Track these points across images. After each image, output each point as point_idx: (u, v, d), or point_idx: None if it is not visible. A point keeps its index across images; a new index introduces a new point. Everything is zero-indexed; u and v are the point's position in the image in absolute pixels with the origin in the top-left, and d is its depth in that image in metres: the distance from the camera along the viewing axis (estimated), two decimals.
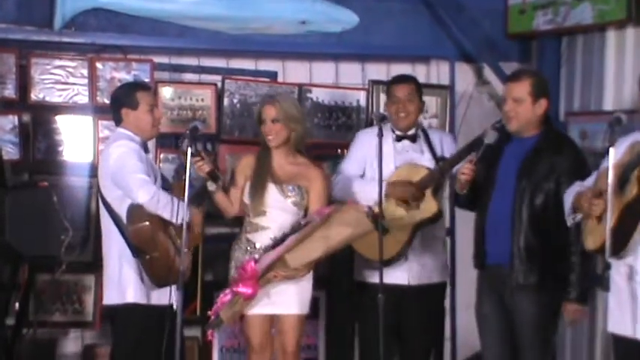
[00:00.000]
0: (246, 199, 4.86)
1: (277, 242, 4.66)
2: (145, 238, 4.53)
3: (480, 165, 4.69)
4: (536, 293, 4.54)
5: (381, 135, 4.65)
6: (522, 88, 4.56)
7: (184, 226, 4.36)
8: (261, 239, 4.80)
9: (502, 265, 4.59)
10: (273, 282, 4.64)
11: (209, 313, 4.69)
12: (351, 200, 4.85)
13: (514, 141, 4.66)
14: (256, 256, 4.69)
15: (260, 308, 4.73)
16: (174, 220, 4.51)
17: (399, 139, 5.11)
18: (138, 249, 4.56)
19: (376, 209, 4.63)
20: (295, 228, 4.67)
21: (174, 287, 4.44)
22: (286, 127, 4.83)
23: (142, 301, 4.68)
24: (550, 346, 4.67)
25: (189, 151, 4.45)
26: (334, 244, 4.61)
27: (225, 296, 4.62)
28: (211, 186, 4.77)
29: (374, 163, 5.08)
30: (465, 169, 4.66)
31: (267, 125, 4.83)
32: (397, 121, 5.06)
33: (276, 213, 4.81)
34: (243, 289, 4.55)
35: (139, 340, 4.67)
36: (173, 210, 4.51)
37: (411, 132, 5.16)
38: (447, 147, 5.24)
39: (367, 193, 4.91)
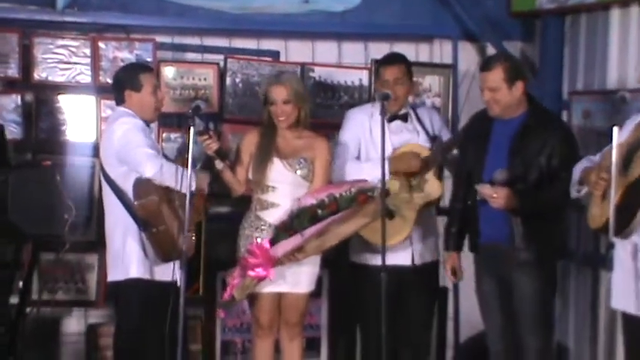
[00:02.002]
0: (251, 176, 4.88)
1: (290, 225, 4.65)
2: (153, 212, 4.56)
3: (467, 148, 4.74)
4: (535, 269, 4.60)
5: (384, 114, 4.66)
6: (496, 76, 4.61)
7: (188, 197, 4.38)
8: (272, 216, 4.81)
9: (499, 243, 4.63)
10: (286, 264, 4.67)
11: (224, 296, 4.71)
12: (356, 180, 4.83)
13: (499, 122, 4.70)
14: (267, 236, 4.70)
15: (270, 287, 4.76)
16: (178, 188, 4.54)
17: (391, 119, 5.09)
18: (145, 223, 4.59)
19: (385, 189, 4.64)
20: (318, 210, 4.65)
21: (177, 263, 4.49)
22: (296, 106, 4.86)
23: (146, 276, 4.72)
24: (550, 321, 4.72)
25: (192, 129, 4.47)
26: (350, 232, 4.66)
27: (237, 278, 4.64)
28: (219, 164, 4.81)
29: (368, 145, 5.09)
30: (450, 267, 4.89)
31: (279, 106, 4.85)
32: (387, 103, 4.98)
33: (286, 188, 4.84)
34: (259, 273, 4.57)
35: (142, 315, 4.70)
36: (178, 179, 4.53)
37: (402, 112, 5.15)
38: (436, 125, 5.24)
39: (366, 175, 4.88)
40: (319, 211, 4.60)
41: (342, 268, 5.42)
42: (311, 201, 4.64)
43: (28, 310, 5.14)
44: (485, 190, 4.52)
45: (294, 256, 4.62)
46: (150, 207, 4.56)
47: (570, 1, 5.77)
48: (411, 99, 5.37)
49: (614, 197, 3.94)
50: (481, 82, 4.70)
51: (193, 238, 4.59)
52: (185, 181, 4.45)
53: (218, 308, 4.91)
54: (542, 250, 4.59)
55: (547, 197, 4.54)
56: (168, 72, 5.70)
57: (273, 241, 4.61)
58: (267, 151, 4.87)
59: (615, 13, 5.61)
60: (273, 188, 4.87)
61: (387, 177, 4.67)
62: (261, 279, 4.61)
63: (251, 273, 4.59)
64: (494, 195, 4.48)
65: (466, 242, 4.92)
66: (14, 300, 5.15)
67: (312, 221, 4.58)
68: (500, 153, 4.62)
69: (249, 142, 4.96)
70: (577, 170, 4.33)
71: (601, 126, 5.42)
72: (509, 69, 4.62)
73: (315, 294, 5.16)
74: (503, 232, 4.60)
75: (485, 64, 4.74)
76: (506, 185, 4.49)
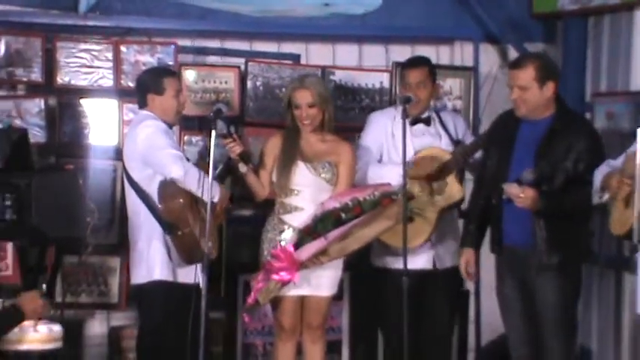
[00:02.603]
0: (274, 179, 4.89)
1: (314, 228, 4.65)
2: (178, 215, 4.58)
3: (492, 149, 4.71)
4: (559, 273, 4.56)
5: (405, 117, 4.66)
6: (527, 75, 4.55)
7: (209, 205, 4.40)
8: (295, 219, 4.82)
9: (522, 246, 4.60)
10: (310, 267, 4.67)
11: (248, 300, 4.72)
12: (379, 184, 4.83)
13: (526, 124, 4.65)
14: (291, 240, 4.71)
15: (292, 290, 4.77)
16: (199, 194, 4.55)
17: (413, 122, 5.08)
18: (170, 225, 4.61)
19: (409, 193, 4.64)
20: (342, 214, 4.64)
21: (199, 266, 4.50)
22: (320, 110, 4.87)
23: (169, 278, 4.75)
24: (573, 325, 4.69)
25: (213, 132, 4.49)
26: (373, 235, 4.66)
27: (261, 282, 4.65)
28: (242, 167, 4.82)
29: (390, 148, 5.09)
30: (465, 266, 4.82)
31: (303, 110, 4.86)
32: (410, 106, 4.94)
33: (309, 191, 4.85)
34: (283, 277, 4.58)
35: (165, 317, 4.72)
36: (200, 185, 4.55)
37: (425, 115, 5.14)
38: (460, 130, 5.24)
39: (387, 178, 4.89)
40: (343, 215, 4.60)
41: (363, 272, 5.42)
42: (334, 205, 4.64)
43: (51, 312, 5.16)
44: (512, 189, 4.48)
45: (318, 259, 4.63)
46: (175, 210, 4.58)
47: (593, 2, 5.75)
48: (432, 102, 5.36)
49: (638, 201, 3.90)
50: (510, 80, 4.62)
51: (210, 244, 4.60)
52: (207, 188, 4.45)
53: (242, 313, 4.92)
54: (566, 253, 4.55)
55: (572, 200, 4.50)
56: (190, 75, 5.72)
57: (298, 245, 4.62)
58: (291, 154, 4.88)
59: (639, 14, 5.57)
60: (296, 192, 4.88)
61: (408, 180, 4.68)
62: (285, 283, 4.62)
63: (275, 277, 4.60)
64: (521, 195, 4.44)
65: (487, 243, 4.89)
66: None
67: (336, 225, 4.59)
68: (526, 155, 4.57)
69: (273, 145, 4.98)
70: (598, 176, 4.28)
71: (625, 128, 5.40)
72: (540, 68, 4.55)
73: (336, 297, 5.16)
74: (526, 234, 4.56)
75: (517, 62, 4.69)
76: (532, 186, 4.45)
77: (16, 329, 3.79)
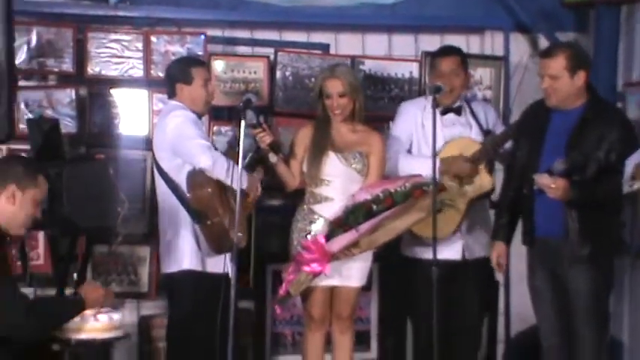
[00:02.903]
0: (305, 169, 4.90)
1: (345, 220, 4.64)
2: (206, 204, 4.60)
3: (522, 139, 4.68)
4: (591, 264, 4.53)
5: (435, 106, 4.64)
6: (558, 64, 4.52)
7: (238, 194, 4.40)
8: (325, 210, 4.82)
9: (554, 237, 4.58)
10: (342, 259, 4.67)
11: (280, 292, 4.74)
12: (410, 175, 4.81)
13: (557, 113, 4.62)
14: (322, 230, 4.70)
15: (322, 280, 4.77)
16: (229, 183, 4.56)
17: (444, 112, 5.05)
18: (199, 215, 4.63)
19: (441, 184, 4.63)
20: (373, 205, 4.64)
21: (228, 256, 4.52)
22: (351, 99, 4.87)
23: (198, 268, 4.77)
24: (605, 315, 4.67)
25: (243, 123, 4.50)
26: (404, 227, 4.66)
27: (292, 273, 4.66)
28: (273, 157, 4.83)
29: (420, 139, 5.07)
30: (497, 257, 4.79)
31: (334, 100, 4.86)
32: (441, 96, 4.92)
33: (340, 182, 4.86)
34: (314, 268, 4.58)
35: (194, 307, 4.75)
36: (229, 174, 4.56)
37: (455, 105, 5.12)
38: (491, 119, 5.21)
39: (417, 170, 4.86)
40: (374, 207, 4.59)
41: (392, 262, 5.41)
42: (365, 196, 4.63)
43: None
44: (543, 179, 4.45)
45: (350, 251, 4.63)
46: (203, 199, 4.60)
47: None
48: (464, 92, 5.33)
49: None
50: (541, 69, 4.60)
51: (240, 234, 4.61)
52: (236, 177, 4.47)
53: (273, 304, 4.94)
54: (598, 244, 4.52)
55: (604, 190, 4.47)
56: (219, 65, 5.72)
57: (329, 237, 4.62)
58: (322, 144, 4.88)
59: None
60: (327, 182, 4.88)
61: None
62: (316, 274, 4.63)
63: (306, 268, 4.61)
64: (553, 185, 4.41)
65: (518, 234, 4.87)
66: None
67: (367, 216, 4.58)
68: (557, 145, 4.55)
69: (304, 135, 4.98)
70: (629, 164, 4.26)
71: None
72: (572, 57, 4.53)
73: (365, 287, 5.16)
74: (558, 226, 4.54)
75: (548, 51, 4.67)
76: (564, 176, 4.42)
77: (77, 318, 3.84)
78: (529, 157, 4.65)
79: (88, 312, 3.87)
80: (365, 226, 4.58)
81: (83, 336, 3.88)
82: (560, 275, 4.61)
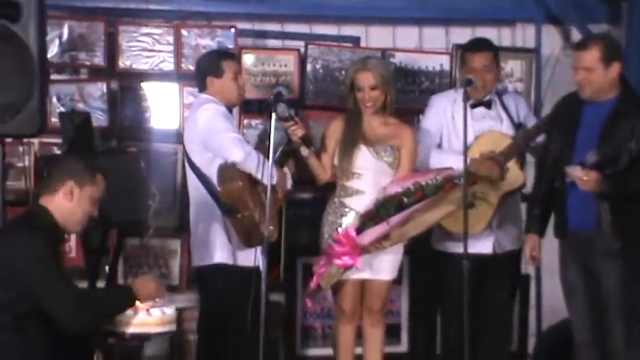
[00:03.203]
0: (336, 162, 4.90)
1: (376, 213, 4.64)
2: (237, 198, 4.61)
3: (555, 132, 4.65)
4: (624, 258, 4.50)
5: (467, 100, 4.61)
6: (592, 56, 4.50)
7: (269, 188, 4.41)
8: (356, 203, 4.82)
9: (586, 230, 4.55)
10: (372, 252, 4.67)
11: (311, 285, 4.73)
12: (441, 168, 4.80)
13: (591, 105, 4.59)
14: (353, 224, 4.70)
15: (353, 273, 4.77)
16: (259, 177, 4.57)
17: (474, 105, 5.03)
18: (229, 209, 4.64)
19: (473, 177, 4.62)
20: (404, 198, 4.63)
21: (259, 249, 4.53)
22: (383, 92, 4.86)
23: (229, 261, 4.78)
24: (638, 310, 4.62)
25: (274, 116, 4.50)
26: (435, 220, 4.64)
27: (323, 266, 4.66)
28: (304, 151, 4.83)
29: (450, 132, 5.05)
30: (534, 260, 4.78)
31: (366, 92, 4.86)
32: (473, 90, 4.90)
33: (371, 175, 4.85)
34: (346, 261, 4.58)
35: (225, 300, 4.76)
36: (260, 169, 4.57)
37: (486, 98, 5.09)
38: (522, 112, 5.17)
39: (448, 165, 4.82)
40: (405, 199, 4.58)
41: (423, 255, 5.41)
42: (396, 189, 4.62)
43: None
44: (575, 172, 4.42)
45: (380, 244, 4.62)
46: (234, 193, 4.61)
47: None
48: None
49: None
50: (575, 62, 4.57)
51: (271, 227, 4.63)
52: (267, 172, 4.47)
53: (304, 297, 4.95)
54: (631, 237, 4.50)
55: (636, 182, 4.43)
56: (249, 59, 5.73)
57: (360, 230, 4.61)
58: (353, 137, 4.88)
59: None
60: (358, 175, 4.88)
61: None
62: (347, 267, 4.62)
63: (337, 262, 4.60)
64: (585, 177, 4.39)
65: (550, 228, 4.85)
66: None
67: (398, 209, 4.57)
68: (590, 137, 4.52)
69: (335, 128, 4.98)
70: None
71: None
72: (605, 49, 4.50)
73: (395, 281, 5.16)
74: (591, 219, 4.52)
75: (581, 43, 4.65)
76: (596, 168, 4.40)
77: (130, 312, 3.85)
78: (562, 149, 4.62)
79: (142, 306, 3.87)
80: (396, 219, 4.57)
81: (136, 330, 3.89)
82: (593, 269, 4.58)
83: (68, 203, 3.81)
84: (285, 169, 4.84)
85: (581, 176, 4.39)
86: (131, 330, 3.87)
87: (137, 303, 3.84)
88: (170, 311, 3.98)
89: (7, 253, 3.66)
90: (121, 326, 3.85)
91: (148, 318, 3.93)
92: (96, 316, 3.79)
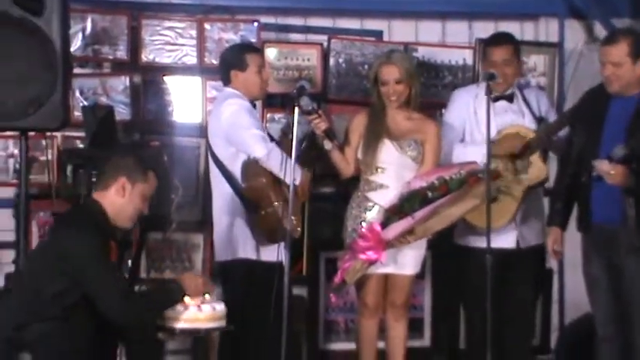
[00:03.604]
0: (360, 156, 4.89)
1: (401, 208, 4.63)
2: (260, 194, 4.61)
3: (580, 126, 4.63)
4: None
5: (489, 93, 4.60)
6: (620, 51, 4.49)
7: (292, 188, 4.41)
8: (380, 197, 4.81)
9: (611, 225, 4.53)
10: (397, 247, 4.66)
11: (335, 280, 4.72)
12: (465, 162, 4.78)
13: (617, 100, 4.58)
14: (377, 218, 4.70)
15: (377, 268, 4.77)
16: (282, 176, 4.58)
17: (496, 99, 5.00)
18: (253, 204, 4.64)
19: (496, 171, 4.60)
20: (428, 192, 4.61)
21: (282, 244, 4.52)
22: (407, 85, 4.85)
23: (252, 257, 4.78)
24: None
25: (297, 110, 4.50)
26: (459, 214, 4.63)
27: (348, 261, 4.65)
28: (327, 144, 4.82)
29: (473, 126, 5.04)
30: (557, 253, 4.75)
31: (391, 86, 4.85)
32: (494, 84, 4.86)
33: (395, 169, 4.84)
34: (370, 256, 4.58)
35: (249, 294, 4.76)
36: (282, 168, 4.57)
37: (507, 92, 5.07)
38: (543, 106, 5.16)
39: (470, 157, 4.83)
40: (429, 194, 4.57)
41: (445, 250, 5.39)
42: (421, 184, 4.61)
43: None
44: (603, 166, 4.40)
45: (405, 238, 4.61)
46: (257, 189, 4.61)
47: None
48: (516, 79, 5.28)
49: None
50: (603, 57, 4.56)
51: (294, 222, 4.62)
52: (289, 170, 4.47)
53: (329, 292, 4.95)
54: None
55: None
56: (272, 53, 5.72)
57: (384, 224, 4.60)
58: (377, 132, 4.87)
59: None
60: (382, 169, 4.87)
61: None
62: (372, 262, 4.61)
63: (362, 256, 4.59)
64: (612, 171, 4.36)
65: (572, 222, 4.83)
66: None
67: (423, 204, 4.56)
68: (617, 131, 4.50)
69: (359, 122, 4.97)
70: None
71: None
72: (634, 43, 4.49)
73: (418, 275, 5.15)
74: (615, 213, 4.49)
75: (609, 38, 4.64)
76: (623, 163, 4.37)
77: (180, 307, 3.87)
78: (587, 143, 4.60)
79: (192, 302, 3.89)
80: (420, 213, 4.56)
81: (186, 325, 3.88)
82: (616, 264, 4.56)
83: (120, 199, 3.88)
84: (307, 171, 4.82)
85: (609, 170, 4.37)
86: (181, 325, 3.87)
87: (186, 299, 3.88)
88: (220, 307, 3.97)
89: (62, 244, 3.75)
90: (171, 321, 3.86)
91: (199, 314, 3.90)
92: (144, 310, 3.85)
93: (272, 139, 4.95)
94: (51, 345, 3.70)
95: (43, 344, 3.69)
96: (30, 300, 3.75)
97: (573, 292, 5.90)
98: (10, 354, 3.72)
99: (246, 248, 4.77)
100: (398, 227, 4.57)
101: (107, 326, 3.79)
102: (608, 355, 4.69)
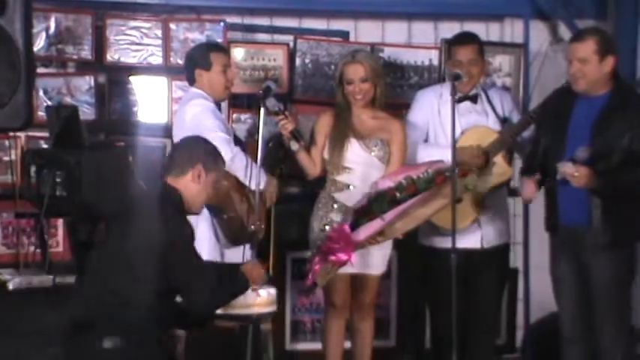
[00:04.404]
0: (327, 156, 4.88)
1: (370, 209, 4.63)
2: (224, 198, 4.58)
3: (545, 126, 4.66)
4: (613, 252, 4.50)
5: (454, 94, 4.60)
6: (587, 48, 4.49)
7: (257, 194, 4.40)
8: (347, 197, 4.81)
9: (577, 225, 4.54)
10: (367, 247, 4.67)
11: (307, 282, 4.71)
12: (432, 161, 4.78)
13: (583, 100, 4.58)
14: (346, 220, 4.70)
15: (344, 268, 4.76)
16: (247, 183, 4.56)
17: (460, 100, 5.01)
18: (216, 208, 4.62)
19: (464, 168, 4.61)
20: (396, 193, 4.62)
21: (247, 246, 4.52)
22: (373, 84, 4.85)
23: (217, 258, 4.75)
24: (627, 305, 4.64)
25: (262, 110, 4.49)
26: (429, 214, 4.63)
27: (318, 263, 4.64)
28: (294, 145, 4.80)
29: (437, 127, 5.05)
30: (528, 193, 4.65)
31: (357, 85, 4.84)
32: (459, 85, 4.84)
33: (362, 169, 4.84)
34: (340, 257, 4.57)
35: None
36: (247, 172, 4.55)
37: (472, 93, 5.09)
38: (507, 107, 5.17)
39: (436, 158, 4.83)
40: (398, 194, 4.56)
41: (411, 250, 5.40)
42: (389, 184, 4.60)
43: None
44: (566, 168, 4.41)
45: (375, 239, 4.61)
46: (221, 193, 4.59)
47: None
48: (481, 79, 5.30)
49: None
50: (570, 54, 4.57)
51: (262, 226, 4.62)
52: (254, 175, 4.46)
53: (300, 295, 5.03)
54: (621, 233, 4.49)
55: (628, 179, 4.43)
56: (238, 53, 5.71)
57: (354, 226, 4.59)
58: (343, 131, 4.87)
59: None
60: (348, 169, 4.87)
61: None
62: (342, 263, 4.60)
63: (332, 258, 4.58)
64: (576, 173, 4.38)
65: (540, 222, 4.84)
66: None
67: (391, 204, 4.55)
68: (582, 132, 4.51)
69: (324, 123, 4.96)
70: None
71: None
72: (601, 42, 4.50)
73: (384, 275, 5.15)
74: (582, 214, 4.51)
75: (577, 35, 4.67)
76: (587, 164, 4.40)
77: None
78: (552, 144, 4.61)
79: (250, 289, 4.05)
80: (391, 215, 4.55)
81: (249, 311, 4.09)
82: (584, 264, 4.58)
83: (196, 186, 3.94)
84: (273, 179, 4.81)
85: (572, 172, 4.38)
86: (238, 311, 4.06)
87: None
88: (273, 291, 4.17)
89: (150, 230, 3.74)
90: (233, 308, 4.03)
91: (257, 299, 4.10)
92: (223, 303, 3.99)
93: (238, 140, 4.93)
94: (135, 332, 3.72)
95: (128, 331, 3.71)
96: (113, 288, 3.74)
97: (538, 291, 5.94)
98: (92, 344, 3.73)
99: (210, 251, 4.74)
100: (369, 229, 4.56)
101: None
102: (575, 356, 4.70)
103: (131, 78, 5.62)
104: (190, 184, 3.93)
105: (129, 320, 3.71)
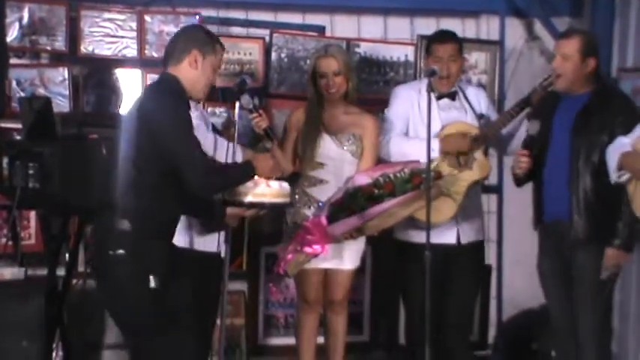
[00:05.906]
0: (299, 152, 4.88)
1: (347, 203, 4.61)
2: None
3: (533, 122, 4.68)
4: (595, 248, 4.53)
5: (430, 90, 4.59)
6: (572, 45, 4.57)
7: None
8: (320, 193, 4.81)
9: (561, 221, 4.59)
10: (341, 241, 4.67)
11: (277, 270, 4.72)
12: (408, 161, 4.78)
13: (566, 99, 4.65)
14: (322, 212, 4.68)
15: (317, 262, 4.76)
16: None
17: (439, 97, 5.02)
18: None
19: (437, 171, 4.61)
20: (374, 189, 4.61)
21: (222, 235, 4.49)
22: (345, 78, 4.85)
23: (185, 246, 4.71)
24: (607, 302, 4.67)
25: (237, 105, 4.47)
26: (408, 214, 4.63)
27: (291, 252, 4.63)
28: (268, 143, 4.78)
29: (417, 121, 5.04)
30: (522, 163, 4.65)
31: (330, 78, 4.84)
32: (438, 82, 4.90)
33: (335, 165, 4.83)
34: (316, 249, 4.57)
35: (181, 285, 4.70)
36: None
37: (452, 90, 5.10)
38: (483, 103, 5.18)
39: (410, 152, 4.83)
40: (376, 191, 4.56)
41: (385, 245, 5.40)
42: (366, 180, 4.60)
43: (74, 281, 5.18)
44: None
45: (351, 235, 4.61)
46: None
47: None
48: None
49: None
50: (555, 49, 4.67)
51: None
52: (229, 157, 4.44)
53: (268, 283, 4.91)
54: (603, 228, 4.52)
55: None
56: None
57: (331, 219, 4.58)
58: (315, 127, 4.86)
59: None
60: (321, 165, 4.86)
61: (436, 155, 4.68)
62: (316, 255, 4.61)
63: (307, 249, 4.58)
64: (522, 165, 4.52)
65: (515, 221, 4.86)
66: (61, 272, 5.19)
67: (369, 201, 4.55)
68: (564, 131, 4.58)
69: (297, 118, 4.96)
70: (612, 154, 4.22)
71: None
72: (586, 42, 4.59)
73: (357, 270, 5.15)
74: (565, 209, 4.56)
75: (565, 32, 4.79)
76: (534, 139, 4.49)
77: (250, 184, 4.09)
78: (539, 141, 4.65)
79: (261, 179, 4.13)
80: (370, 214, 4.54)
81: (255, 199, 4.16)
82: (568, 259, 4.61)
83: (194, 71, 4.04)
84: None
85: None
86: (249, 199, 4.14)
87: (256, 177, 4.11)
88: (286, 185, 4.24)
89: (149, 111, 3.91)
90: (241, 195, 4.12)
91: (267, 189, 4.15)
92: (222, 182, 4.07)
93: (215, 129, 4.91)
94: (145, 214, 3.91)
95: (139, 213, 3.90)
96: (125, 171, 3.95)
97: (511, 289, 5.97)
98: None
99: (179, 237, 4.69)
100: (347, 224, 4.56)
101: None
102: (563, 349, 4.75)
103: (105, 70, 5.56)
104: (188, 70, 4.03)
105: (136, 204, 3.90)
